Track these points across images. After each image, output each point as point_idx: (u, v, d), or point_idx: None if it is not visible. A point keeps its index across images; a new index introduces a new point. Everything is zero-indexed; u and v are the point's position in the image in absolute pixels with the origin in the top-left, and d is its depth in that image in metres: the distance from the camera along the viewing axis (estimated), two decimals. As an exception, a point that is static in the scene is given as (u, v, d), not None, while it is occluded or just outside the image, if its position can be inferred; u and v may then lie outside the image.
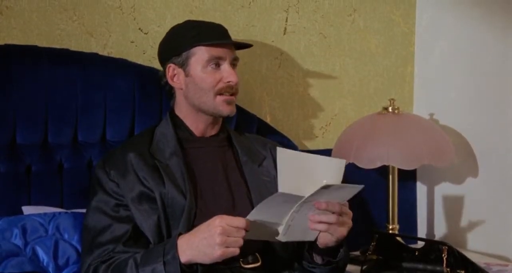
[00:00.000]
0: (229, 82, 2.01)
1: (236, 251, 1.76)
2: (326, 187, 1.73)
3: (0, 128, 2.14)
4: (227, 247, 1.75)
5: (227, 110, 2.03)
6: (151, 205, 1.92)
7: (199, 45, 2.01)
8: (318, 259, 1.96)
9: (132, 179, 1.94)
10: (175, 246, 1.79)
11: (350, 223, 1.85)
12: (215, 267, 1.83)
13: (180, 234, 1.83)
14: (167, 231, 1.91)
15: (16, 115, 2.16)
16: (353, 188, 1.78)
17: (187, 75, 2.03)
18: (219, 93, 2.01)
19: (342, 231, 1.84)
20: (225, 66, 2.02)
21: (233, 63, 2.05)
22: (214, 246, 1.74)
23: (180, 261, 1.78)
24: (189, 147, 2.04)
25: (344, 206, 1.83)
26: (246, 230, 1.76)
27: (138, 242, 1.90)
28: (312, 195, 1.74)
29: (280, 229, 1.81)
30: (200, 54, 2.01)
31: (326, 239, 1.86)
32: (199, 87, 2.02)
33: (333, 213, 1.80)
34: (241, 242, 1.75)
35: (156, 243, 1.90)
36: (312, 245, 1.93)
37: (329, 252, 1.93)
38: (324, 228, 1.82)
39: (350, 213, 1.86)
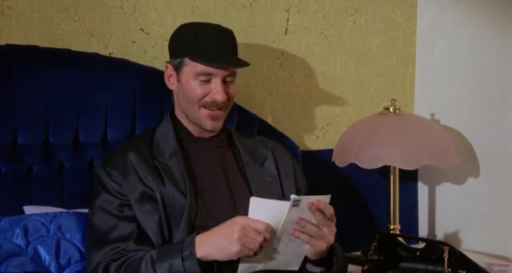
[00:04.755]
0: (215, 98, 1.98)
1: (251, 252, 1.75)
2: (295, 204, 1.73)
3: (1, 128, 2.14)
4: (244, 246, 1.74)
5: (210, 125, 2.01)
6: (153, 205, 1.92)
7: (191, 60, 1.97)
8: (310, 266, 1.95)
9: (134, 179, 1.94)
10: (193, 243, 1.80)
11: (330, 238, 1.84)
12: (218, 266, 1.82)
13: (197, 233, 1.83)
14: (168, 230, 1.91)
15: (17, 116, 2.16)
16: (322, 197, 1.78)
17: (178, 80, 2.01)
18: (204, 106, 1.99)
19: (321, 245, 1.82)
20: (215, 82, 1.97)
21: (227, 80, 2.00)
22: (232, 241, 1.74)
23: (196, 257, 1.78)
24: (189, 147, 2.04)
25: (328, 221, 1.81)
26: (265, 239, 1.75)
27: (146, 241, 1.90)
28: (288, 215, 1.74)
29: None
30: (192, 65, 1.97)
31: (308, 252, 1.86)
32: (186, 96, 1.99)
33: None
34: (257, 245, 1.74)
35: (159, 243, 1.90)
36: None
37: (320, 264, 1.93)
38: (305, 238, 1.81)
39: (334, 229, 1.85)
